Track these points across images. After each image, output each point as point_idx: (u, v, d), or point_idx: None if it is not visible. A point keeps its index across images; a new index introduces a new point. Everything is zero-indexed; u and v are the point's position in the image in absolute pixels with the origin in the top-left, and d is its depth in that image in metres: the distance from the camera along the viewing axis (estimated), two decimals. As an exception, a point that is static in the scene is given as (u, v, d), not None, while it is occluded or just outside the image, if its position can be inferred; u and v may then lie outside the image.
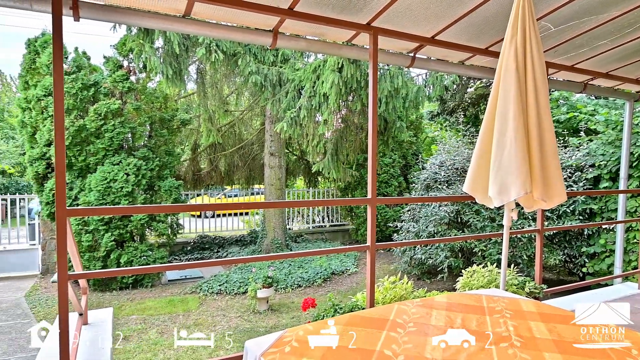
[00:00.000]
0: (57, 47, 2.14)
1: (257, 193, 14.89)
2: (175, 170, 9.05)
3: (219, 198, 17.76)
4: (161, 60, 6.60)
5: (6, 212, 12.41)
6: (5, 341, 5.67)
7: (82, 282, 3.95)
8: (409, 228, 7.91)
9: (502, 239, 5.16)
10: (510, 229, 3.35)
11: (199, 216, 14.57)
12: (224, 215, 13.13)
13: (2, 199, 11.22)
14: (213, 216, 15.04)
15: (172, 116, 8.55)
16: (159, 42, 6.99)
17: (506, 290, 3.38)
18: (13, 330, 6.07)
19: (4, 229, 10.58)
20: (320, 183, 14.06)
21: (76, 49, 7.84)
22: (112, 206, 7.35)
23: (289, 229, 12.12)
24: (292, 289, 7.84)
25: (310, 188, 13.65)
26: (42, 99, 7.30)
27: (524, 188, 2.40)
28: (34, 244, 9.79)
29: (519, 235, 6.66)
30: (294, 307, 6.96)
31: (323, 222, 13.21)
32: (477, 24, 3.18)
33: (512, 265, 4.26)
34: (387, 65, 7.94)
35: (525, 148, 2.45)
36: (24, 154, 8.30)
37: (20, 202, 11.30)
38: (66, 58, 7.64)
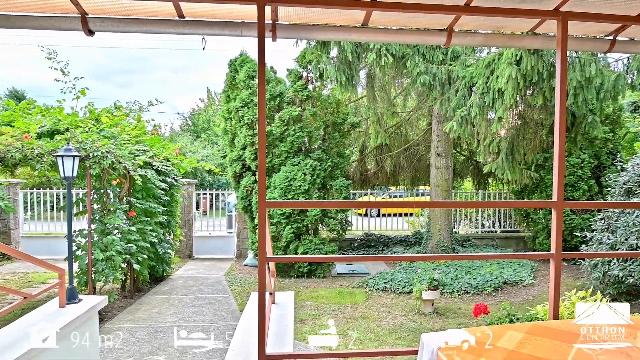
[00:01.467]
0: (261, 63, 2.54)
1: (422, 194, 14.70)
2: (345, 170, 9.63)
3: (383, 198, 18.15)
4: (336, 68, 7.12)
5: (211, 205, 15.04)
6: (211, 310, 6.90)
7: (272, 266, 4.56)
8: (601, 239, 6.80)
9: None
10: None
11: (365, 215, 15.14)
12: (389, 215, 13.36)
13: (205, 194, 13.55)
14: (378, 215, 15.46)
15: (343, 120, 9.13)
16: (334, 52, 7.55)
17: None
18: (216, 302, 7.34)
19: (210, 219, 12.83)
20: (490, 185, 13.11)
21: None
22: (301, 200, 8.23)
23: (456, 232, 11.66)
24: (459, 295, 7.55)
25: (480, 190, 12.84)
26: (240, 110, 8.63)
27: None
28: (231, 232, 11.63)
29: None
30: (460, 313, 6.70)
31: (493, 227, 12.30)
32: None
33: None
34: (577, 52, 6.97)
35: None
36: (225, 156, 9.90)
37: (220, 197, 13.51)
38: (257, 73, 8.87)
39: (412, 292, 7.11)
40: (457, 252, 10.15)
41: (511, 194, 11.52)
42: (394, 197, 18.41)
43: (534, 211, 10.34)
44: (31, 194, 11.33)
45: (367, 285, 8.11)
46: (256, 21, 2.82)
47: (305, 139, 8.86)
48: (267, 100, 8.43)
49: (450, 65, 7.97)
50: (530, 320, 2.79)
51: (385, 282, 8.03)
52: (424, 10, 2.69)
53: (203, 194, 12.61)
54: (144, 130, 7.86)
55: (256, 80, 8.74)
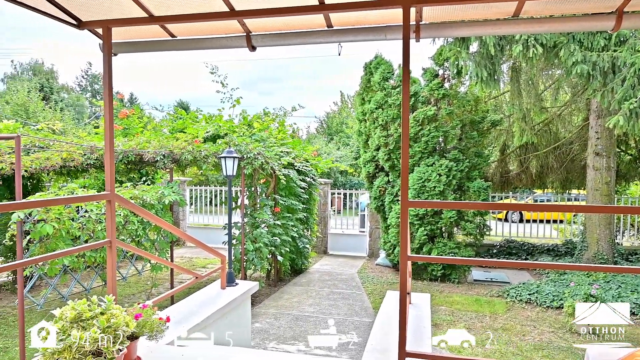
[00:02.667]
0: (406, 65, 2.58)
1: (575, 199, 13.02)
2: (484, 171, 9.07)
3: (527, 202, 16.55)
4: (476, 64, 6.77)
5: (344, 204, 15.57)
6: (345, 305, 7.16)
7: (408, 266, 4.56)
8: None
9: None
10: None
11: (505, 220, 14.02)
12: (533, 220, 12.14)
13: (339, 193, 14.05)
14: (521, 220, 14.17)
15: (482, 118, 8.62)
16: (473, 47, 7.19)
17: None
18: (350, 297, 7.59)
19: (343, 217, 13.30)
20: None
21: (400, 65, 9.04)
22: (442, 200, 8.07)
23: (618, 243, 10.07)
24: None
25: (653, 196, 10.86)
26: (374, 111, 8.78)
27: None
28: (363, 231, 11.88)
29: None
30: (627, 335, 5.79)
31: (672, 240, 10.30)
32: None
33: None
34: None
35: None
36: (358, 157, 10.17)
37: (352, 196, 13.87)
38: (392, 74, 8.92)
39: (562, 307, 6.39)
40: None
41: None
42: (540, 201, 16.67)
43: None
44: (193, 190, 13.20)
45: (507, 295, 7.53)
46: (399, 23, 2.89)
47: (440, 139, 8.60)
48: (402, 101, 8.42)
49: (615, 51, 6.91)
50: None
51: (529, 294, 7.35)
52: (588, -7, 2.43)
53: (338, 193, 13.13)
54: (286, 134, 8.55)
55: (391, 81, 8.79)
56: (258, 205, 7.09)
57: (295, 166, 8.16)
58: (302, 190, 8.32)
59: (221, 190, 13.03)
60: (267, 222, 7.06)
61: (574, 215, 11.99)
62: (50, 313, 2.45)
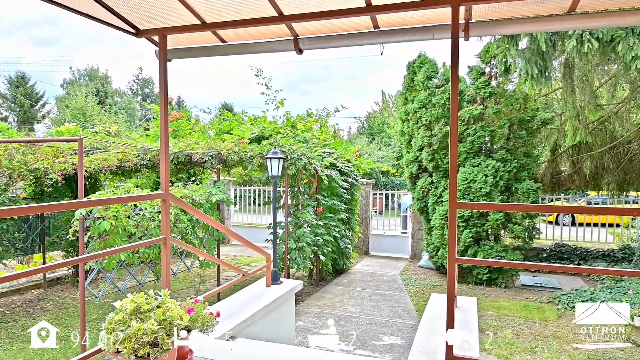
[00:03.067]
0: (455, 64, 2.53)
1: (634, 202, 12.23)
2: (533, 172, 8.72)
3: (579, 204, 15.72)
4: (526, 60, 6.53)
5: (385, 204, 15.44)
6: (388, 306, 7.12)
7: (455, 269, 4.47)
8: None
9: None
10: None
11: (556, 223, 13.40)
12: (587, 224, 11.53)
13: (382, 194, 13.95)
14: (573, 224, 13.48)
15: (531, 117, 8.29)
16: (523, 44, 6.93)
17: None
18: (392, 299, 7.53)
19: (385, 218, 13.19)
20: None
21: (444, 64, 8.86)
22: (491, 202, 7.86)
23: (685, 250, 9.38)
24: (691, 328, 6.07)
25: None
26: (418, 111, 8.65)
27: None
28: (405, 232, 11.74)
29: None
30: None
31: None
32: None
33: None
34: None
35: None
36: (400, 157, 10.06)
37: (394, 197, 13.74)
38: (436, 73, 8.76)
39: (620, 316, 6.02)
40: (686, 275, 8.15)
41: None
42: (594, 203, 15.80)
43: None
44: (237, 190, 13.54)
45: (559, 301, 7.21)
46: (447, 23, 2.85)
47: (487, 139, 8.36)
48: (446, 100, 8.26)
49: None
50: None
51: (582, 301, 7.00)
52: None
53: (379, 193, 13.05)
54: (329, 134, 8.60)
55: (435, 80, 8.64)
56: (301, 205, 7.18)
57: (338, 166, 8.20)
58: (344, 191, 8.34)
59: (264, 190, 13.29)
60: (310, 222, 7.13)
61: (632, 219, 11.28)
62: (111, 304, 2.62)
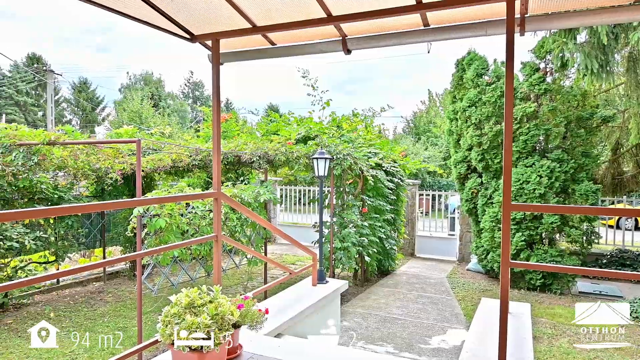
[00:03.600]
0: (510, 60, 2.45)
1: None
2: (592, 173, 8.21)
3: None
4: (585, 55, 6.17)
5: (432, 205, 15.12)
6: (434, 310, 6.97)
7: (505, 273, 4.31)
8: None
9: None
10: None
11: (617, 227, 12.55)
12: (654, 229, 10.72)
13: (428, 195, 13.66)
14: (637, 228, 12.59)
15: (591, 114, 7.81)
16: (581, 37, 6.56)
17: None
18: (439, 302, 7.36)
19: (431, 220, 12.92)
20: None
21: (495, 60, 8.55)
22: (549, 204, 7.52)
23: None
24: None
25: None
26: (467, 110, 8.40)
27: None
28: (452, 234, 11.43)
29: None
30: None
31: None
32: None
33: None
34: None
35: None
36: (447, 157, 9.80)
37: (440, 198, 13.41)
38: (486, 70, 8.47)
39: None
40: None
41: None
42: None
43: None
44: (283, 189, 13.75)
45: (621, 311, 6.75)
46: (501, 18, 2.76)
47: (541, 138, 7.98)
48: (497, 97, 7.96)
49: None
50: None
51: (649, 311, 6.53)
52: None
53: (426, 194, 12.79)
54: (374, 134, 8.54)
55: (485, 77, 8.36)
56: (346, 206, 7.18)
57: (383, 167, 8.12)
58: (390, 191, 8.25)
59: (308, 190, 13.40)
60: (355, 222, 7.12)
61: None
62: (166, 298, 2.75)
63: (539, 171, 7.66)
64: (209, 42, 3.17)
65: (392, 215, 8.77)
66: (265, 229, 6.61)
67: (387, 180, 8.04)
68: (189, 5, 2.75)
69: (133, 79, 42.05)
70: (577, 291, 7.94)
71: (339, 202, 7.31)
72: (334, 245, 6.89)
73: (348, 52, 3.07)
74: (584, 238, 7.90)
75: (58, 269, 6.95)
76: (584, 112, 7.85)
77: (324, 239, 7.13)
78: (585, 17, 2.66)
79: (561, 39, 6.33)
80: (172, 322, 2.35)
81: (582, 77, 7.11)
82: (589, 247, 8.15)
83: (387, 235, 8.59)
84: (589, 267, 9.33)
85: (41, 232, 6.33)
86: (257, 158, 6.45)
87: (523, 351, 3.34)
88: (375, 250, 7.71)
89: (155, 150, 6.88)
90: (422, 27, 2.86)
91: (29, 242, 5.82)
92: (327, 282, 4.79)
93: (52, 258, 6.87)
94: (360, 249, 7.23)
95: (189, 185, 7.73)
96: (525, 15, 2.65)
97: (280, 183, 14.23)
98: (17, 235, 5.84)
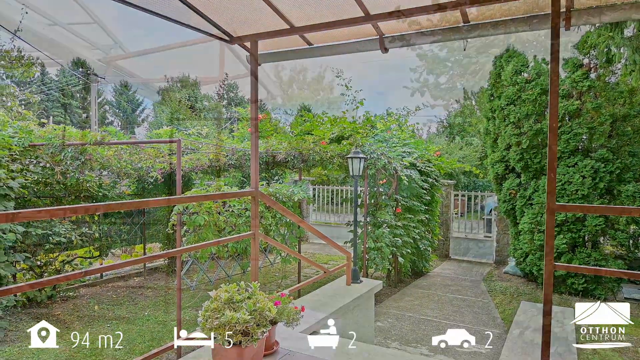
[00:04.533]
0: (555, 53, 2.37)
1: None
2: (640, 173, 7.82)
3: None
4: (633, 49, 5.88)
5: (467, 206, 14.80)
6: (470, 313, 6.82)
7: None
8: None
9: None
10: None
11: (668, 231, 11.87)
12: None
13: (463, 196, 13.39)
14: (690, 233, 11.86)
15: (638, 112, 7.44)
16: (629, 31, 6.26)
17: None
18: (475, 305, 7.20)
19: (466, 221, 12.65)
20: None
21: (535, 57, 8.27)
22: (597, 205, 7.23)
23: None
24: None
25: None
26: (505, 108, 8.18)
27: None
28: (489, 236, 11.15)
29: None
30: None
31: None
32: None
33: None
34: None
35: None
36: (483, 157, 9.56)
37: (476, 198, 13.12)
38: (526, 67, 8.21)
39: None
40: None
41: None
42: None
43: None
44: (316, 189, 13.82)
45: (673, 319, 6.40)
46: (544, 12, 2.68)
47: (584, 136, 7.66)
48: (537, 95, 7.70)
49: None
50: None
51: None
52: None
53: (461, 195, 12.54)
54: (407, 133, 8.44)
55: (525, 75, 8.11)
56: (379, 205, 7.15)
57: (418, 166, 8.02)
58: (424, 192, 8.13)
59: (341, 190, 13.40)
60: (389, 222, 7.07)
61: None
62: (206, 293, 2.82)
63: (582, 171, 7.37)
64: (248, 44, 3.24)
65: (427, 216, 8.65)
66: (299, 227, 6.66)
67: (422, 180, 7.93)
68: (228, 8, 2.82)
69: (171, 82, 43.29)
70: (623, 297, 7.57)
71: (372, 201, 7.27)
72: (367, 245, 6.87)
73: (385, 50, 3.06)
74: (631, 241, 7.53)
75: (102, 264, 7.28)
76: (632, 109, 7.47)
77: (358, 238, 7.13)
78: (634, 9, 2.54)
79: (607, 32, 6.06)
80: (212, 316, 2.42)
81: (629, 73, 6.78)
82: (636, 251, 7.76)
83: (421, 235, 8.48)
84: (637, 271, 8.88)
85: (86, 229, 6.64)
86: (292, 158, 6.52)
87: (565, 358, 3.23)
88: (409, 250, 7.63)
89: (193, 150, 7.08)
90: (462, 24, 2.82)
91: (75, 237, 6.12)
92: (361, 281, 4.79)
93: (97, 253, 7.19)
94: (394, 249, 7.18)
95: (225, 184, 7.90)
96: (571, 9, 2.56)
97: (313, 182, 14.31)
98: (65, 231, 6.15)
